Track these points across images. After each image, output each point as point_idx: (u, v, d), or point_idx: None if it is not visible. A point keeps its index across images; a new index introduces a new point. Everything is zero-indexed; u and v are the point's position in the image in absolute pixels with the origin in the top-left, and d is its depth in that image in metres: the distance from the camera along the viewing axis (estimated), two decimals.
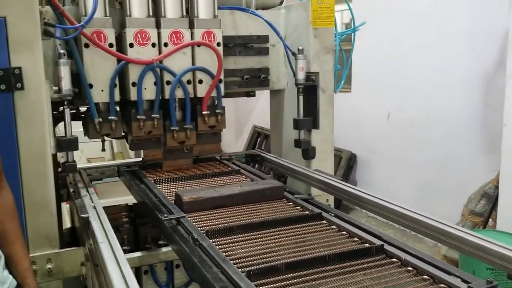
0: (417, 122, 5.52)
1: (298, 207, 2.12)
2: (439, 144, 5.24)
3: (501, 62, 4.47)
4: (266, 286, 1.39)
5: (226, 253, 1.59)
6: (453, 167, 5.09)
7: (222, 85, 2.60)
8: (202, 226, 1.85)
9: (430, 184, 5.41)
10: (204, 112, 2.59)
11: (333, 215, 1.98)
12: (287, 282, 1.41)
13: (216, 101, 2.63)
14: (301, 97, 2.75)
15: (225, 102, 2.67)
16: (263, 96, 5.23)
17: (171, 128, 2.54)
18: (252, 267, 1.43)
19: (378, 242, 1.67)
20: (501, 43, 4.50)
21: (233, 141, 9.15)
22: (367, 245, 1.67)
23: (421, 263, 1.52)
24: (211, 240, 1.69)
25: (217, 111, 2.63)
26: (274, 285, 1.40)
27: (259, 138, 8.21)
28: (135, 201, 2.58)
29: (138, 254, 2.34)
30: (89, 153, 5.84)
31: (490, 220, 4.41)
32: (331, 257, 1.54)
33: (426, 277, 1.46)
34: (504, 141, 4.03)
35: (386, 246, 1.64)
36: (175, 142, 2.59)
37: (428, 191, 5.41)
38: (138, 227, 2.70)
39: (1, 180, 1.85)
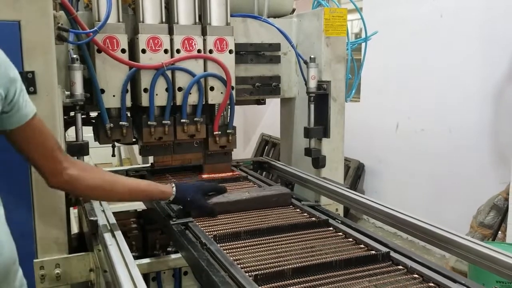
0: (426, 132, 5.49)
1: (305, 214, 2.12)
2: (448, 155, 5.21)
3: None
4: None
5: (234, 258, 1.59)
6: (462, 178, 5.05)
7: (234, 107, 2.62)
8: (210, 231, 1.85)
9: (438, 195, 5.38)
10: (215, 133, 2.59)
11: (340, 222, 1.99)
12: (294, 287, 1.43)
13: (227, 121, 2.64)
14: (312, 106, 2.74)
15: (234, 109, 2.66)
16: (271, 104, 5.23)
17: (181, 120, 2.53)
18: (259, 272, 1.44)
19: (384, 249, 1.67)
20: None
21: (241, 149, 9.14)
22: (373, 252, 1.67)
23: (427, 270, 1.52)
24: (218, 245, 1.70)
25: (228, 131, 2.64)
26: None
27: (267, 146, 8.20)
28: (144, 207, 2.58)
29: (146, 260, 2.34)
30: (97, 158, 5.86)
31: (500, 232, 4.37)
32: (337, 263, 1.54)
33: (432, 284, 1.46)
34: None
35: (392, 253, 1.64)
36: (185, 135, 2.57)
37: (436, 202, 5.37)
38: (146, 233, 2.69)
39: (57, 158, 1.66)
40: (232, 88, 2.59)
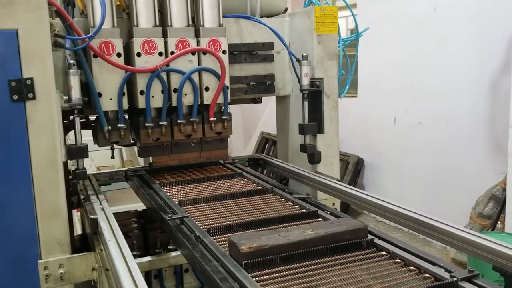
0: (424, 125, 5.53)
1: (296, 206, 2.19)
2: (446, 147, 5.25)
3: (507, 64, 4.49)
4: (262, 277, 1.47)
5: (226, 249, 1.65)
6: (461, 170, 5.09)
7: (228, 92, 2.65)
8: (204, 225, 1.92)
9: (437, 187, 5.42)
10: (211, 119, 2.64)
11: (328, 213, 2.06)
12: (282, 273, 1.50)
13: (222, 108, 2.68)
14: (306, 103, 2.79)
15: (233, 109, 2.72)
16: (270, 103, 5.28)
17: (178, 121, 2.59)
18: (249, 260, 1.50)
19: (368, 236, 1.74)
20: (506, 45, 4.52)
21: (242, 147, 9.20)
22: (358, 239, 1.72)
23: (408, 255, 1.60)
24: (212, 237, 1.77)
25: (223, 117, 2.69)
26: (270, 276, 1.48)
27: (267, 144, 8.25)
28: (144, 207, 2.64)
29: (147, 258, 2.40)
30: (99, 161, 5.91)
31: (499, 222, 4.41)
32: (323, 251, 1.61)
33: (413, 268, 1.54)
34: (511, 143, 4.04)
35: (376, 240, 1.72)
36: (182, 135, 2.63)
37: (435, 194, 5.42)
38: (147, 232, 2.75)
39: None
40: (227, 87, 2.65)
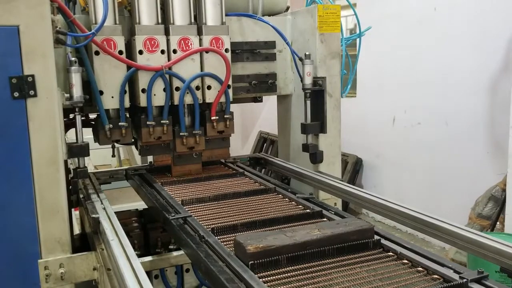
0: (423, 125, 5.53)
1: (300, 206, 2.17)
2: (445, 147, 5.24)
3: (507, 64, 4.49)
4: (269, 278, 1.46)
5: (231, 249, 1.63)
6: (460, 170, 5.09)
7: (230, 91, 2.63)
8: (208, 224, 1.91)
9: (436, 188, 5.42)
10: (212, 118, 2.62)
11: (333, 213, 2.05)
12: (289, 274, 1.48)
13: (224, 107, 2.66)
14: (308, 102, 2.78)
15: (232, 108, 2.70)
16: (269, 102, 5.26)
17: (181, 134, 2.57)
18: (255, 261, 1.48)
19: (375, 237, 1.73)
20: (506, 45, 4.52)
21: (239, 147, 9.17)
22: (365, 240, 1.71)
23: (416, 256, 1.59)
24: (216, 237, 1.75)
25: (225, 116, 2.67)
26: (276, 276, 1.47)
27: (265, 144, 8.23)
28: (145, 206, 2.62)
29: (149, 258, 2.38)
30: (96, 160, 5.89)
31: (498, 223, 4.41)
32: (330, 251, 1.60)
33: (421, 269, 1.53)
34: (511, 143, 4.03)
35: (383, 241, 1.71)
36: (185, 148, 2.62)
37: (434, 195, 5.41)
38: (148, 231, 2.72)
39: None
40: (229, 86, 2.63)
